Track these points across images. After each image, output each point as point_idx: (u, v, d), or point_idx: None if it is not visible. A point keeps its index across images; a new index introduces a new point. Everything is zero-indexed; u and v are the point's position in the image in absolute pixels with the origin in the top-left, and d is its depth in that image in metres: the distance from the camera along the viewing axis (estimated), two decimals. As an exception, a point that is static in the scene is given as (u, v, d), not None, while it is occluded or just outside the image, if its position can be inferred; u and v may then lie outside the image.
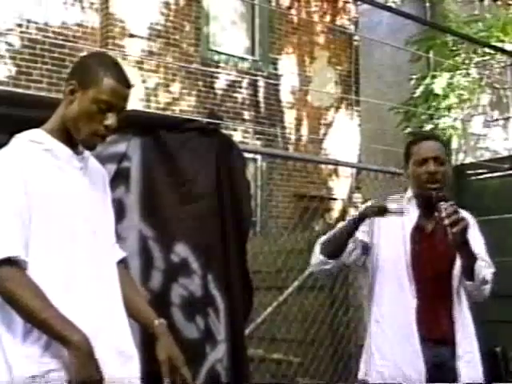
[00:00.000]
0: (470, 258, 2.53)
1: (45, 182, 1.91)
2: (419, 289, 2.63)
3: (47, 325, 1.78)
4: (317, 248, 2.73)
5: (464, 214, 2.63)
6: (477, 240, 2.68)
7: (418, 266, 2.65)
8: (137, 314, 2.11)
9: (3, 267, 1.80)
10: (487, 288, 2.63)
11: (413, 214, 2.73)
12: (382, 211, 2.56)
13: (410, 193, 2.78)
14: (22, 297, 1.79)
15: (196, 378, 2.90)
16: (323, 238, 2.75)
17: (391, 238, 2.71)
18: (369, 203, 2.66)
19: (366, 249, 2.76)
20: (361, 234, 2.72)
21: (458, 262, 2.63)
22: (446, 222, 2.40)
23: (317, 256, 2.72)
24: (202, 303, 3.02)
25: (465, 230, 2.42)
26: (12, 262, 1.81)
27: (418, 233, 2.69)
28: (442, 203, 2.44)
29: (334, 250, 2.68)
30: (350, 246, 2.70)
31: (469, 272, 2.55)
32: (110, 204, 2.18)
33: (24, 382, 1.79)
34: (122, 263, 2.20)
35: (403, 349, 2.60)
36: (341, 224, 2.75)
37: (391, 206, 2.55)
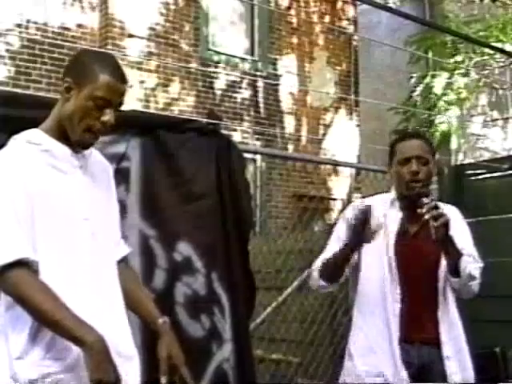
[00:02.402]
0: (455, 254, 2.50)
1: (43, 184, 1.90)
2: (403, 291, 2.61)
3: (61, 326, 1.78)
4: (315, 273, 2.70)
5: (448, 208, 2.62)
6: (462, 234, 2.65)
7: (402, 268, 2.63)
8: (140, 311, 2.11)
9: (14, 270, 1.80)
10: (475, 284, 2.58)
11: (396, 216, 2.70)
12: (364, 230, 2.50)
13: (393, 194, 2.76)
14: (34, 299, 1.78)
15: (202, 377, 2.89)
16: (320, 262, 2.70)
17: (374, 242, 2.66)
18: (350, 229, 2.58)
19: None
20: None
21: (444, 263, 2.60)
22: (427, 216, 2.38)
23: (317, 281, 2.70)
24: (206, 302, 3.02)
25: (446, 225, 2.40)
26: (23, 264, 1.81)
27: (401, 235, 2.67)
28: (423, 199, 2.43)
29: (334, 276, 2.66)
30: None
31: (454, 268, 2.53)
32: (115, 200, 2.16)
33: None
34: (126, 260, 2.20)
35: (384, 352, 2.59)
36: (336, 248, 2.67)
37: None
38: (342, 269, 2.63)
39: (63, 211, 1.91)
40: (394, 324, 2.59)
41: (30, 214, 1.85)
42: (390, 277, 2.63)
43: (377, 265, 2.66)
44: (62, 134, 1.97)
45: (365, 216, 2.47)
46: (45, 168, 1.93)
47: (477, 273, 2.57)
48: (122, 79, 1.97)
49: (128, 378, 1.92)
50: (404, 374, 2.54)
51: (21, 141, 1.96)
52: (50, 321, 1.79)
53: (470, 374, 2.66)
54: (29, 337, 1.82)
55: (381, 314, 2.62)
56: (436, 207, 2.40)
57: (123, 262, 2.16)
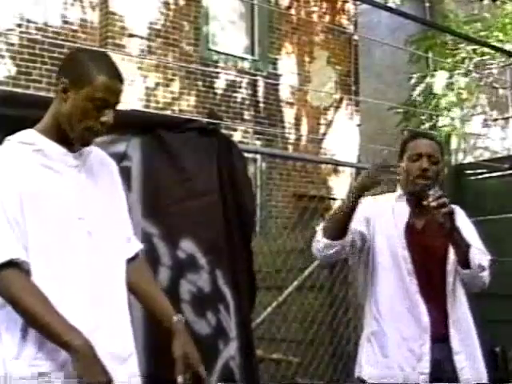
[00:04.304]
0: (463, 245, 2.54)
1: (35, 184, 1.89)
2: (420, 285, 2.62)
3: (49, 329, 1.78)
4: (319, 233, 2.65)
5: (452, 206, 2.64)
6: (468, 230, 2.68)
7: (414, 262, 2.64)
8: (154, 309, 2.10)
9: (5, 270, 1.80)
10: (485, 275, 2.61)
11: (404, 210, 2.72)
12: (377, 181, 2.51)
13: (399, 191, 2.78)
14: (24, 301, 1.78)
15: (210, 375, 2.88)
16: (324, 223, 2.68)
17: (386, 237, 2.70)
18: (362, 176, 2.59)
19: (364, 240, 2.72)
20: (358, 225, 2.66)
21: (452, 257, 2.63)
22: (434, 203, 2.41)
23: (320, 240, 2.63)
24: (212, 299, 3.02)
25: (451, 214, 2.44)
26: (14, 264, 1.80)
27: (409, 230, 2.69)
28: (428, 191, 2.46)
29: (338, 230, 2.58)
30: (350, 236, 2.63)
31: (464, 260, 2.55)
32: (121, 197, 2.14)
33: (15, 383, 1.78)
34: (140, 256, 2.18)
35: (405, 348, 2.59)
36: (339, 204, 2.70)
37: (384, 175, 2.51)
38: (347, 221, 2.57)
39: (56, 211, 1.90)
40: (415, 318, 2.59)
41: (21, 215, 1.84)
42: (406, 270, 2.63)
43: (392, 258, 2.66)
44: (58, 134, 1.96)
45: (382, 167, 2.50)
46: (37, 168, 1.92)
47: (486, 264, 2.61)
48: (119, 78, 1.97)
49: (120, 379, 1.88)
50: (427, 371, 2.55)
51: (13, 141, 1.96)
52: (38, 324, 1.79)
53: (482, 370, 2.67)
54: (21, 335, 1.82)
55: (400, 307, 2.62)
56: (441, 196, 2.43)
57: (136, 259, 2.14)
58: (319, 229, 2.67)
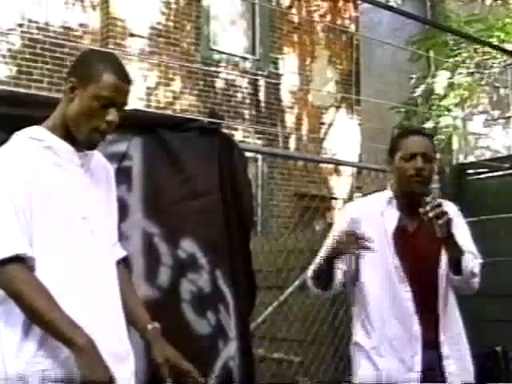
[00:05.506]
0: (457, 252, 2.49)
1: (43, 180, 1.90)
2: (411, 293, 2.58)
3: (52, 326, 1.78)
4: (309, 282, 2.71)
5: (447, 204, 2.59)
6: (461, 230, 2.63)
7: (404, 267, 2.59)
8: (130, 316, 2.09)
9: (10, 265, 1.80)
10: (476, 281, 2.58)
11: (393, 215, 2.66)
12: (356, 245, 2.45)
13: (389, 193, 2.71)
14: (28, 297, 1.78)
15: (209, 374, 2.88)
16: (311, 272, 2.69)
17: (375, 243, 2.56)
18: (338, 237, 2.53)
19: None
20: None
21: (444, 261, 2.58)
22: (431, 214, 2.36)
23: (314, 291, 2.71)
24: (212, 299, 3.02)
25: (448, 223, 2.39)
26: (19, 260, 1.81)
27: (400, 234, 2.62)
28: (425, 198, 2.41)
29: (325, 284, 2.64)
30: (339, 278, 2.64)
31: (456, 266, 2.51)
32: (115, 202, 2.16)
33: (15, 381, 1.79)
34: (123, 263, 2.19)
35: (395, 358, 2.56)
36: (321, 254, 2.66)
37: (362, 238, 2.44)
38: (331, 276, 2.60)
39: (62, 209, 1.91)
40: (408, 325, 2.56)
41: (28, 210, 1.85)
42: (397, 276, 2.59)
43: (380, 264, 2.61)
44: (65, 133, 1.97)
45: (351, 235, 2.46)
46: (46, 164, 1.93)
47: (477, 269, 2.57)
48: (127, 79, 1.97)
49: (119, 379, 1.88)
50: (417, 378, 2.52)
51: (23, 137, 1.96)
52: (42, 320, 1.79)
53: (470, 375, 2.64)
54: (22, 332, 1.82)
55: (394, 314, 2.59)
56: (439, 205, 2.39)
57: (119, 266, 2.14)
58: (308, 278, 2.70)
